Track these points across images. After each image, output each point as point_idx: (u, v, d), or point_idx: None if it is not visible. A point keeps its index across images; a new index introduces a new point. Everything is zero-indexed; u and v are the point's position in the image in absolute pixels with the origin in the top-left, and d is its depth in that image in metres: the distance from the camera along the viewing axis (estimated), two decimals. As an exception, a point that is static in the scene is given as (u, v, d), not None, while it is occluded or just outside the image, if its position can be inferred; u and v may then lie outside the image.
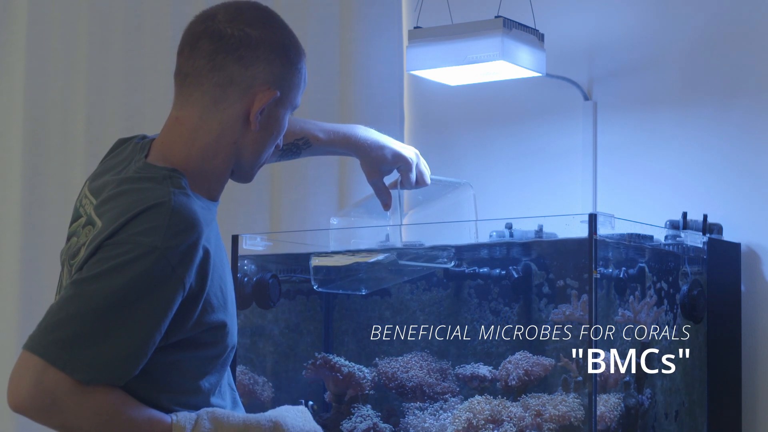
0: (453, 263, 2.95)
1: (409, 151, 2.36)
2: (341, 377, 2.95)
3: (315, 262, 2.90)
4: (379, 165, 2.32)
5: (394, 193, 2.39)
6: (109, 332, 1.69)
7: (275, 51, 1.85)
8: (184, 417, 1.80)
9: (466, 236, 2.84)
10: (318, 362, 2.98)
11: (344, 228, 2.84)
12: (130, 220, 1.72)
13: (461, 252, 2.98)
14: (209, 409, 1.83)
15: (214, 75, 1.83)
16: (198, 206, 1.78)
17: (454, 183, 2.69)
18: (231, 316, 1.87)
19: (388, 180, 2.39)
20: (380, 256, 2.87)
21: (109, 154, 1.96)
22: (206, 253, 1.77)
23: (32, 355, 1.68)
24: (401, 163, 2.34)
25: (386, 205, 2.38)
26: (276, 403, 2.98)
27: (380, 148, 2.31)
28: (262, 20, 1.87)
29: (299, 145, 2.27)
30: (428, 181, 2.41)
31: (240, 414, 1.87)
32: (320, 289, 3.00)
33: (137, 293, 1.70)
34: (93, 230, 1.78)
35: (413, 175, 2.36)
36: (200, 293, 1.77)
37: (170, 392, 1.81)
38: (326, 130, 2.29)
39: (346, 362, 2.99)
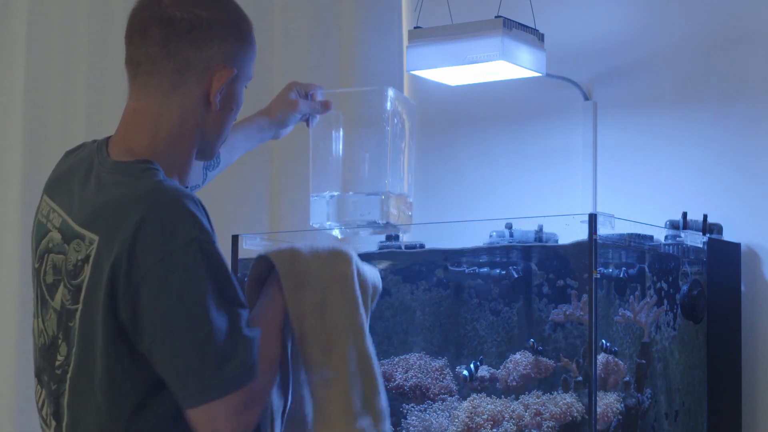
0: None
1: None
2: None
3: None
4: (292, 93, 2.30)
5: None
6: (228, 332, 1.69)
7: (227, 28, 1.83)
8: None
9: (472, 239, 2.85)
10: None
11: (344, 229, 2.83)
12: (143, 230, 1.69)
13: (463, 253, 2.98)
14: None
15: (170, 61, 1.81)
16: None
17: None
18: None
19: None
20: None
21: (57, 167, 1.94)
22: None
23: (197, 408, 1.68)
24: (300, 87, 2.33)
25: (327, 104, 2.35)
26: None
27: (282, 96, 2.31)
28: None
29: None
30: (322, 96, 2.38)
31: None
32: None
33: (215, 281, 1.69)
34: (83, 244, 1.74)
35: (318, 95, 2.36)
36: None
37: None
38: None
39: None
